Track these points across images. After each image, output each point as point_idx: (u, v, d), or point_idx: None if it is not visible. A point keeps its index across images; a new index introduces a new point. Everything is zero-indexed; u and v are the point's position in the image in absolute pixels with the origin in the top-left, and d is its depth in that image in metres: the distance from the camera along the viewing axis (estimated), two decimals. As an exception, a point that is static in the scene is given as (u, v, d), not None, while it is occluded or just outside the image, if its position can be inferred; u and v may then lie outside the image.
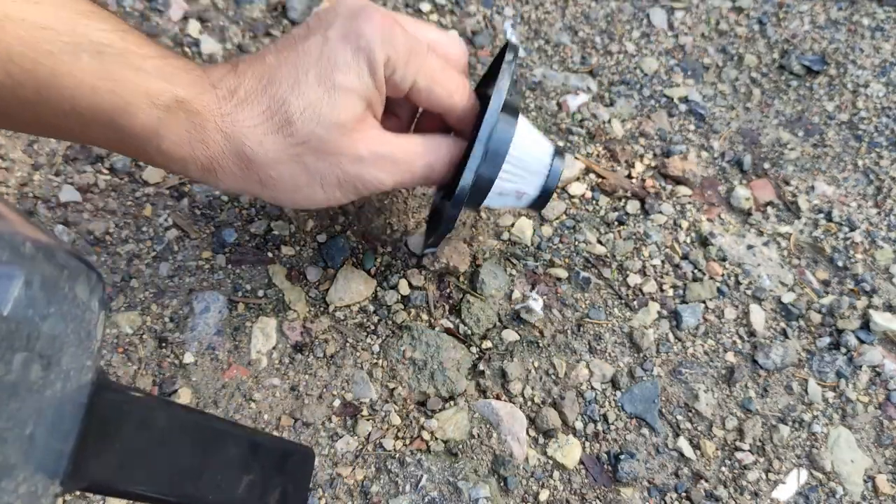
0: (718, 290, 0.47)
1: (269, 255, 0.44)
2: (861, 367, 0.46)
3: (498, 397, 0.42)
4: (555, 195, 0.49)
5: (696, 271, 0.48)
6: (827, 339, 0.46)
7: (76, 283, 0.19)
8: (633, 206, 0.49)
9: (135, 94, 0.28)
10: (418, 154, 0.33)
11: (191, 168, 0.31)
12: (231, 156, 0.30)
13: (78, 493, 0.36)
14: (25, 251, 0.17)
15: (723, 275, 0.48)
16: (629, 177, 0.51)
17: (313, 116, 0.30)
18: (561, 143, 0.51)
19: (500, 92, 0.32)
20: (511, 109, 0.33)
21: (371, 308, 0.44)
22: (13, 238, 0.17)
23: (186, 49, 0.50)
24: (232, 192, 0.45)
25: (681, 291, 0.47)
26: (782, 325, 0.47)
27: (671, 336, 0.45)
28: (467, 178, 0.33)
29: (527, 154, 0.35)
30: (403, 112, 0.38)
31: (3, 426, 0.16)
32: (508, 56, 0.34)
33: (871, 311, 0.47)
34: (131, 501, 0.33)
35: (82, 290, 0.19)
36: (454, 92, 0.34)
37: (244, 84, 0.30)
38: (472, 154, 0.32)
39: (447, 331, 0.44)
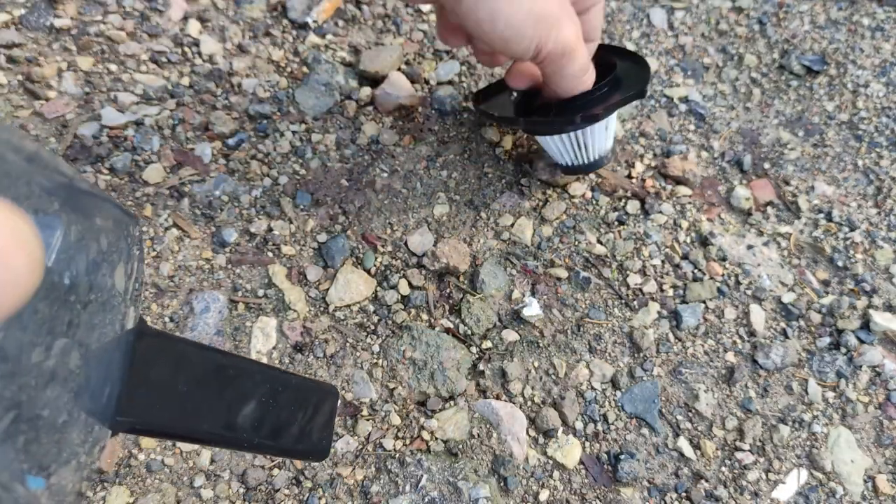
0: (718, 290, 0.47)
1: (269, 255, 0.44)
2: (861, 367, 0.45)
3: (498, 397, 0.42)
4: (554, 195, 0.49)
5: (696, 271, 0.48)
6: (827, 339, 0.46)
7: (120, 233, 0.19)
8: (633, 206, 0.49)
9: None
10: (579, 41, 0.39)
11: None
12: None
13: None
14: (73, 202, 0.17)
15: (723, 275, 0.48)
16: (629, 177, 0.51)
17: None
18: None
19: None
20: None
21: (371, 308, 0.44)
22: (62, 188, 0.17)
23: (186, 49, 0.50)
24: None
25: (681, 291, 0.47)
26: (782, 325, 0.47)
27: (671, 336, 0.45)
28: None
29: (602, 134, 0.43)
30: None
31: (60, 383, 0.16)
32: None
33: (871, 311, 0.47)
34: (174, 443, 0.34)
35: (124, 239, 0.19)
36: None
37: None
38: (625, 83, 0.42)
39: (447, 331, 0.44)
